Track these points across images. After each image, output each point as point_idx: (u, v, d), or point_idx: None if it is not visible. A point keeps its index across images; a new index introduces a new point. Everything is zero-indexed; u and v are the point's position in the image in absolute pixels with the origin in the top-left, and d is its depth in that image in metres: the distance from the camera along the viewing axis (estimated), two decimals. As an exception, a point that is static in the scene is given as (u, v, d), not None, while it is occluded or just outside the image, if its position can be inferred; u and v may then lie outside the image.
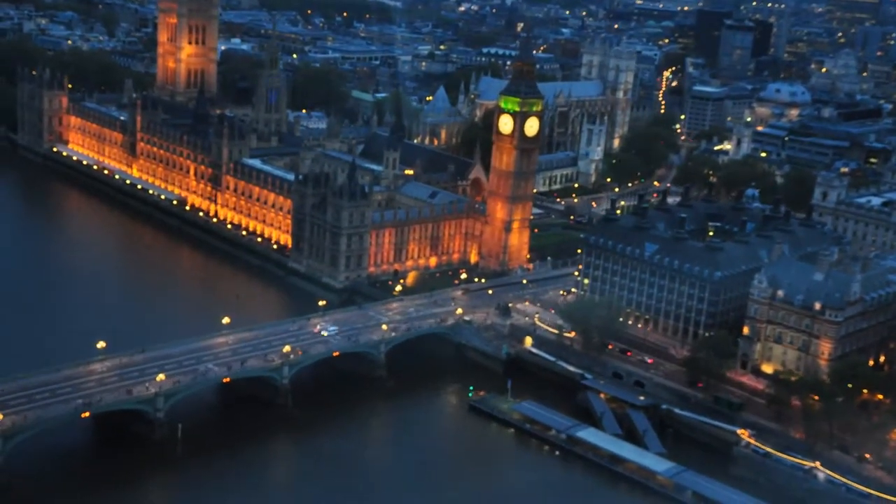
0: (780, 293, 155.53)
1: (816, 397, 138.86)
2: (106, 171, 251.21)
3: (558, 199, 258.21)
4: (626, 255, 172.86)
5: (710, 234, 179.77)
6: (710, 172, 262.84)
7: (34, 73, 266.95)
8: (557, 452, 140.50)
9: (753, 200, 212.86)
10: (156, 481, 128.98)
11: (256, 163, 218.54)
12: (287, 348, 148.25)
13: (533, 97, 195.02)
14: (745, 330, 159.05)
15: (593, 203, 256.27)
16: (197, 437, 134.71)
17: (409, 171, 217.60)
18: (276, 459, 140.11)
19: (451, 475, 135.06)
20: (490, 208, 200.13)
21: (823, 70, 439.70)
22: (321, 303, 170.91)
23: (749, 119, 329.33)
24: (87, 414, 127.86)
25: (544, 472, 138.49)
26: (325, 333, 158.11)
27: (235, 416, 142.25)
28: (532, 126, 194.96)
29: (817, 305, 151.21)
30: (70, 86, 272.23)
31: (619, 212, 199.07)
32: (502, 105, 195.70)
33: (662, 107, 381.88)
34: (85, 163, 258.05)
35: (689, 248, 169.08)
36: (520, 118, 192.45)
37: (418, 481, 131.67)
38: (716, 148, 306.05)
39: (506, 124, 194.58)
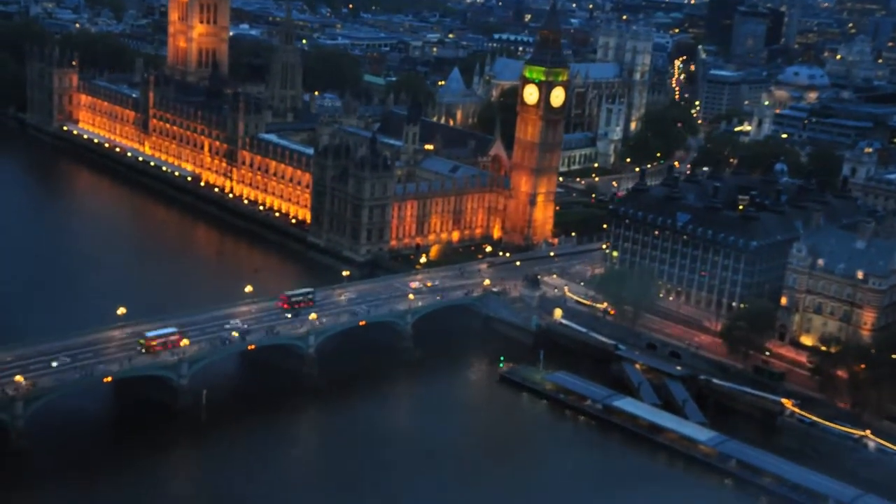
0: (821, 262, 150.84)
1: (863, 366, 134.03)
2: (118, 149, 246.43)
3: (578, 180, 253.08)
4: (657, 226, 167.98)
5: (741, 207, 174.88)
6: (732, 153, 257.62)
7: (44, 51, 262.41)
8: (594, 422, 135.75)
9: (782, 175, 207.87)
10: (179, 448, 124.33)
11: (273, 137, 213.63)
12: (313, 316, 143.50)
13: (559, 66, 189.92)
14: (783, 300, 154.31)
15: (614, 182, 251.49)
16: (221, 405, 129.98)
17: (429, 147, 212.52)
18: (301, 429, 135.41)
19: (485, 445, 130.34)
20: (514, 181, 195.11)
21: (838, 57, 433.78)
22: (345, 273, 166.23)
23: (767, 102, 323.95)
24: (109, 379, 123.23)
25: (582, 442, 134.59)
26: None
27: (260, 384, 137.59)
28: (558, 96, 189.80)
29: (860, 274, 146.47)
30: (79, 67, 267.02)
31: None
32: (527, 74, 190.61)
33: (676, 92, 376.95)
34: (96, 141, 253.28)
35: (723, 218, 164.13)
36: (545, 88, 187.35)
37: (451, 451, 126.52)
38: (735, 129, 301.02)
39: (531, 94, 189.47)
